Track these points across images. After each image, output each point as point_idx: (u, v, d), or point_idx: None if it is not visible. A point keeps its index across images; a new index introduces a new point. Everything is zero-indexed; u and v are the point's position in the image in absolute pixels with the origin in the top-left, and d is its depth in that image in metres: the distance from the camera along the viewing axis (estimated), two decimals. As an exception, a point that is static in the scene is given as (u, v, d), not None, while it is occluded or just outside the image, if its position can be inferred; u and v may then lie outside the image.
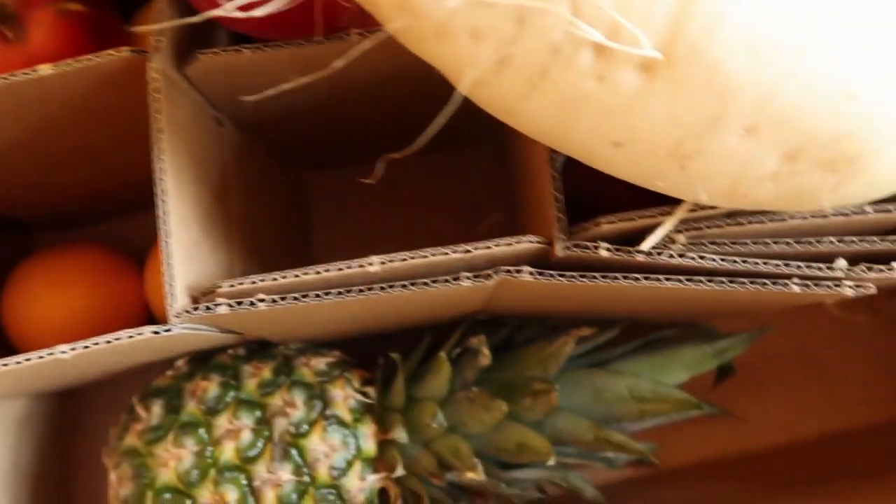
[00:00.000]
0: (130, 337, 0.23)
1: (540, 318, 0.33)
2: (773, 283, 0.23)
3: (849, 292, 0.23)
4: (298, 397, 0.31)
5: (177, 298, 0.23)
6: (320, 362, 0.33)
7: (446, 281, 0.23)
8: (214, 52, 0.24)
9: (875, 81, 0.17)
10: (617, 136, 0.18)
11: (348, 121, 0.34)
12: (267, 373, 0.32)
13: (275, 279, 0.23)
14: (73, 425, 0.40)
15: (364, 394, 0.32)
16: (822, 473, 0.37)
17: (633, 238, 0.23)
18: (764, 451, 0.39)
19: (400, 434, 0.31)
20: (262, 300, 0.23)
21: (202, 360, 0.33)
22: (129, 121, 0.27)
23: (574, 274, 0.23)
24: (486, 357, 0.31)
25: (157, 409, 0.31)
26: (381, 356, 0.34)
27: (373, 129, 0.34)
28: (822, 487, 0.35)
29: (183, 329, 0.24)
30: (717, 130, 0.17)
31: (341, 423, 0.31)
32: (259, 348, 0.33)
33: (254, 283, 0.23)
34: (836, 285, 0.23)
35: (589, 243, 0.23)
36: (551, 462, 0.30)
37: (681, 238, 0.23)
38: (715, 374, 0.36)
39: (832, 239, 0.23)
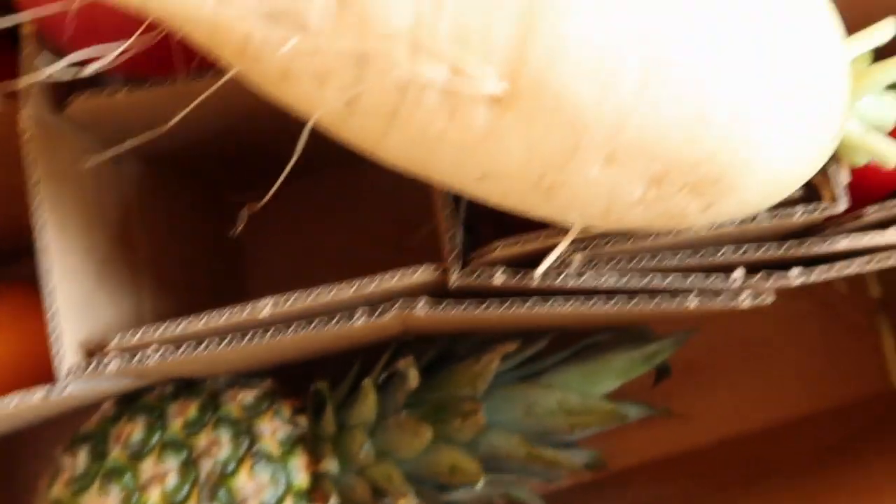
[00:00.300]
0: (19, 401, 0.22)
1: (468, 333, 0.33)
2: (673, 298, 0.23)
3: (746, 304, 0.23)
4: (224, 435, 0.30)
5: (65, 357, 0.22)
6: (248, 395, 0.32)
7: (341, 320, 0.22)
8: (89, 94, 0.24)
9: (727, 103, 0.16)
10: (480, 171, 0.18)
11: (265, 144, 0.33)
12: (193, 411, 0.31)
13: (166, 329, 0.23)
14: (10, 476, 0.39)
15: (295, 424, 0.32)
16: (766, 467, 0.37)
17: (535, 259, 0.23)
18: (710, 448, 0.39)
19: (331, 465, 0.31)
20: (155, 352, 0.22)
21: (129, 401, 0.32)
22: (16, 169, 0.26)
23: (471, 302, 0.22)
24: (413, 380, 0.30)
25: (83, 456, 0.30)
26: (312, 383, 0.33)
27: (293, 148, 0.34)
28: (765, 483, 0.35)
29: (78, 387, 0.23)
30: (576, 161, 0.17)
31: (269, 458, 0.30)
32: (186, 385, 0.33)
33: (144, 335, 0.23)
34: (736, 296, 0.23)
35: (485, 269, 0.23)
36: (479, 485, 0.30)
37: (577, 258, 0.23)
38: (654, 376, 0.36)
39: (730, 249, 0.23)
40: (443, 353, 0.33)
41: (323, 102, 0.17)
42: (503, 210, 0.28)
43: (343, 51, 0.16)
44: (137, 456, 0.30)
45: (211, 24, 0.16)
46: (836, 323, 0.41)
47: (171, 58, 0.23)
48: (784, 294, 0.42)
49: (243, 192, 0.40)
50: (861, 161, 0.23)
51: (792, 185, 0.19)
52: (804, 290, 0.41)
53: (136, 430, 0.30)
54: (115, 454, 0.30)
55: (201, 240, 0.37)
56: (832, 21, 0.18)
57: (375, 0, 0.15)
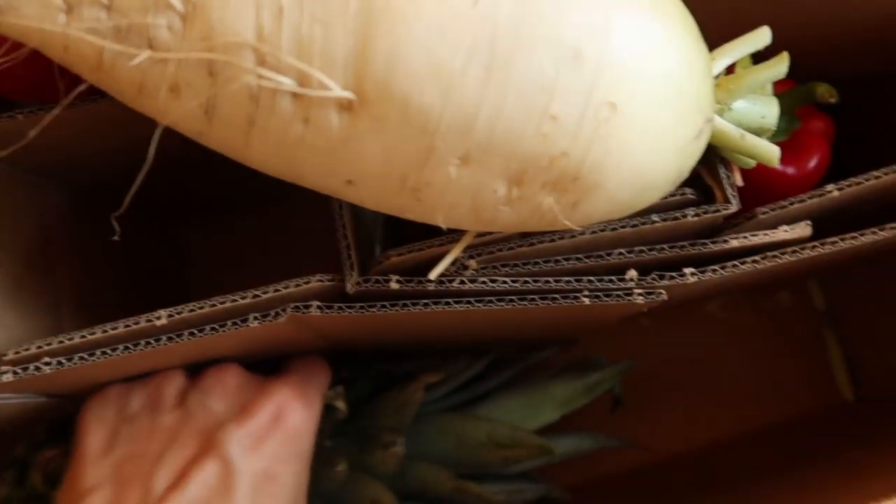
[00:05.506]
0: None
1: (397, 348, 0.33)
2: (564, 298, 0.23)
3: (640, 301, 0.23)
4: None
5: (-39, 371, 0.22)
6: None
7: (235, 324, 0.23)
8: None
9: (572, 100, 0.17)
10: (345, 175, 0.18)
11: (204, 171, 0.34)
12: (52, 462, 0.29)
13: (61, 342, 0.23)
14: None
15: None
16: (716, 482, 0.36)
17: (433, 266, 0.23)
18: (660, 465, 0.38)
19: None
20: (47, 363, 0.22)
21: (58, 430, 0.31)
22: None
23: (363, 305, 0.23)
24: (342, 412, 0.30)
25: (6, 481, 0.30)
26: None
27: (232, 176, 0.34)
28: (718, 497, 0.34)
29: (-24, 402, 0.23)
30: (433, 162, 0.17)
31: None
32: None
33: (39, 347, 0.23)
34: (628, 295, 0.23)
35: (380, 277, 0.23)
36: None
37: (472, 263, 0.23)
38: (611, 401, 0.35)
39: (622, 251, 0.23)
40: (383, 379, 0.32)
41: (181, 113, 0.17)
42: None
43: (191, 63, 0.16)
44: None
45: (63, 40, 0.16)
46: (783, 337, 0.41)
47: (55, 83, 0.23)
48: (730, 309, 0.41)
49: (187, 219, 0.41)
50: (749, 164, 0.23)
51: (660, 183, 0.19)
52: (748, 303, 0.41)
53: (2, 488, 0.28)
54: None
55: (142, 263, 0.37)
56: (683, 24, 0.19)
57: (218, 13, 0.16)
